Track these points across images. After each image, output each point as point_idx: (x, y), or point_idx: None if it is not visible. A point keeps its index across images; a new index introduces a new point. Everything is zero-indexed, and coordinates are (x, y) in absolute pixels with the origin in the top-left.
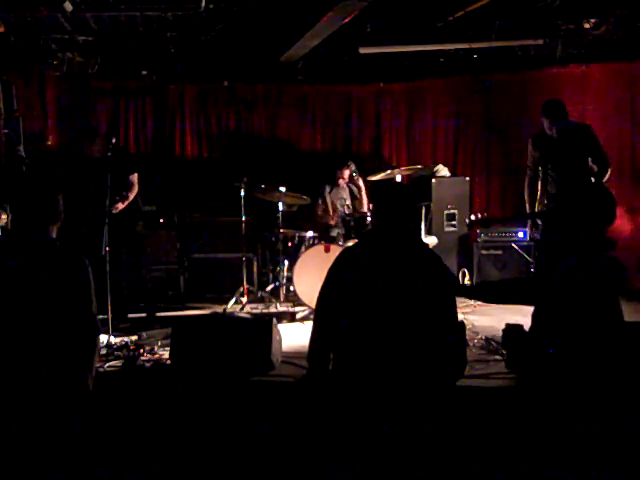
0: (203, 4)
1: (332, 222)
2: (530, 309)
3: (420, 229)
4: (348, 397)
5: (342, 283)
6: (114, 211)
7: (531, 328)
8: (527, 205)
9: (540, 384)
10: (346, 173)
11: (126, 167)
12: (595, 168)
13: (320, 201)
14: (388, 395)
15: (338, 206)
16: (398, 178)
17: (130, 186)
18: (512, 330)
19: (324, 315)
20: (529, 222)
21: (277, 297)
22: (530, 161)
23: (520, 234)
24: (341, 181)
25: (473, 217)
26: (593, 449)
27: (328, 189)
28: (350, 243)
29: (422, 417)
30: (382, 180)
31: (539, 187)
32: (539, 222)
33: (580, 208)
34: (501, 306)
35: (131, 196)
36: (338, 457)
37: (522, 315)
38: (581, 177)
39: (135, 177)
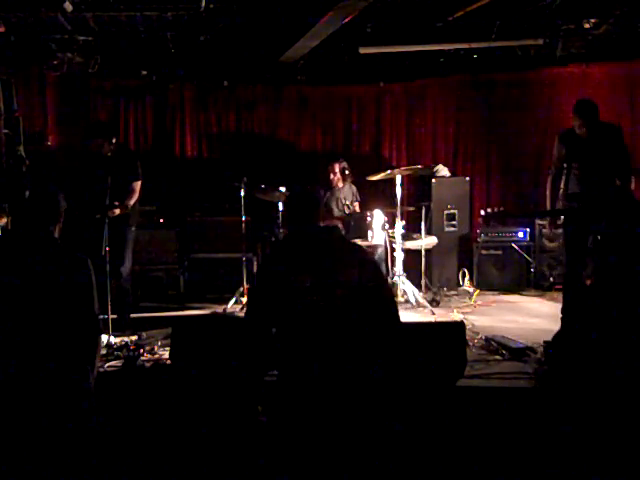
0: (203, 4)
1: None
2: (527, 308)
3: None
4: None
5: (267, 291)
6: (110, 215)
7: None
8: (548, 202)
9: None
10: (336, 167)
11: (131, 171)
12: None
13: None
14: (336, 401)
15: (334, 207)
16: (398, 178)
17: (131, 192)
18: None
19: (255, 317)
20: (548, 218)
21: None
22: (555, 157)
23: (520, 234)
24: (332, 176)
25: (489, 210)
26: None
27: (322, 193)
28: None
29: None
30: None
31: (562, 185)
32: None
33: (601, 208)
34: (501, 306)
35: (130, 203)
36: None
37: (522, 315)
38: (606, 178)
39: (138, 185)
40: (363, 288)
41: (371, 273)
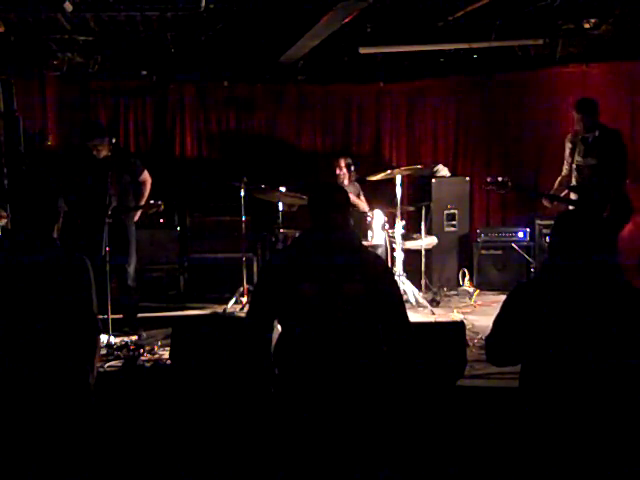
0: (203, 4)
1: None
2: None
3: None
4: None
5: (269, 293)
6: (135, 219)
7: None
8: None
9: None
10: (342, 162)
11: (129, 168)
12: None
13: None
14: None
15: None
16: (398, 178)
17: (142, 187)
18: None
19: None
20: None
21: None
22: (565, 156)
23: (520, 234)
24: (338, 171)
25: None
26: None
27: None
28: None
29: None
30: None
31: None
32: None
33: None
34: None
35: (146, 194)
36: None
37: None
38: (597, 176)
39: (146, 174)
40: (371, 301)
41: (383, 284)
